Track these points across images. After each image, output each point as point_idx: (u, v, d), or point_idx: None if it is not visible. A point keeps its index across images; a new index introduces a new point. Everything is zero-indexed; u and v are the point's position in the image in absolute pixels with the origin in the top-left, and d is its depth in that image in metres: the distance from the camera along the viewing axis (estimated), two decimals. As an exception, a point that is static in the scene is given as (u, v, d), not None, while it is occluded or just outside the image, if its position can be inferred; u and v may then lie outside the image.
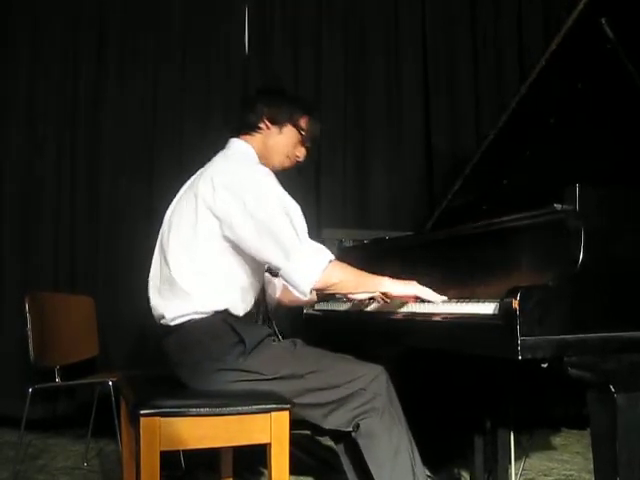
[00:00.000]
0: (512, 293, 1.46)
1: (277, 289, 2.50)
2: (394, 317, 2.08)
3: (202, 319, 1.99)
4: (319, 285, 1.94)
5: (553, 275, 1.53)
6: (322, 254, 1.95)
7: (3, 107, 4.02)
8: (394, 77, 4.36)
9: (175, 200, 2.21)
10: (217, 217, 1.96)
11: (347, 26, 4.34)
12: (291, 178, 4.08)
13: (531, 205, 1.72)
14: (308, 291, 1.94)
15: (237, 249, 2.01)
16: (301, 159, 2.30)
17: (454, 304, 1.85)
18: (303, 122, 2.24)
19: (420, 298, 1.98)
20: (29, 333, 2.94)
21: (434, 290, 2.00)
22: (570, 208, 1.57)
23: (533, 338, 1.44)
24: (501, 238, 1.89)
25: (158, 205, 3.94)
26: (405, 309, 2.06)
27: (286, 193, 2.01)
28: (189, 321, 1.99)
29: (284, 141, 2.22)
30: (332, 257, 1.96)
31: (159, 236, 2.20)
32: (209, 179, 2.00)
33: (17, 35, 4.03)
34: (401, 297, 2.03)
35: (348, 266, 2.04)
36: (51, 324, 3.14)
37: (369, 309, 2.26)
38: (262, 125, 2.20)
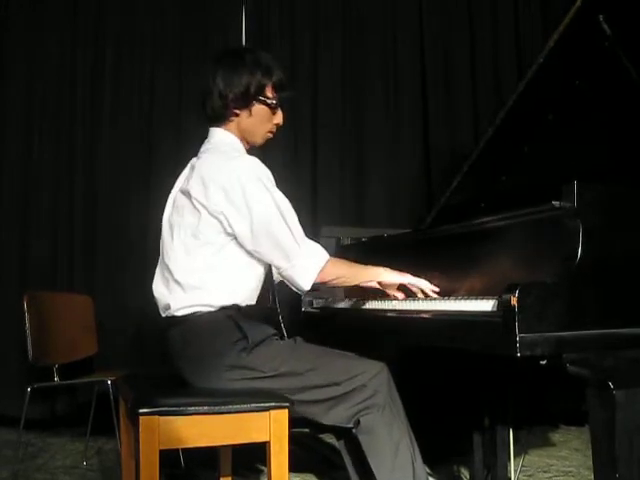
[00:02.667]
0: (511, 290, 1.46)
1: None
2: (393, 315, 2.08)
3: (208, 313, 1.99)
4: (318, 281, 2.01)
5: (552, 272, 1.53)
6: (319, 255, 2.01)
7: (1, 107, 4.02)
8: (392, 75, 4.36)
9: (170, 199, 2.20)
10: (214, 216, 1.96)
11: (345, 24, 4.34)
12: (289, 176, 4.11)
13: (529, 202, 1.72)
14: (307, 289, 2.01)
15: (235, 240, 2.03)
16: (281, 123, 2.19)
17: (452, 301, 1.85)
18: (269, 91, 2.10)
19: (411, 289, 2.07)
20: (27, 332, 2.94)
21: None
22: (568, 205, 1.57)
23: (532, 335, 1.44)
24: (499, 235, 1.89)
25: (156, 204, 3.96)
26: (403, 306, 2.06)
27: (275, 187, 2.00)
28: (194, 314, 1.99)
29: (257, 120, 2.11)
30: (327, 257, 2.02)
31: (161, 237, 2.18)
32: (200, 179, 1.98)
33: (13, 36, 4.03)
34: (395, 285, 2.11)
35: (344, 262, 2.12)
36: (49, 323, 3.14)
37: (367, 307, 2.26)
38: (229, 112, 2.08)
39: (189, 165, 2.18)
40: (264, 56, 2.13)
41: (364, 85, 4.33)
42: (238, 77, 2.05)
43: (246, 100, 2.07)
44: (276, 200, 1.97)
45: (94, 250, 4.00)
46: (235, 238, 2.00)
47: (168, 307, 2.04)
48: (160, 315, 2.13)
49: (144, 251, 3.96)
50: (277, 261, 2.00)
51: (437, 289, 2.05)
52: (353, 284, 2.16)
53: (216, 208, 1.95)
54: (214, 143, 2.14)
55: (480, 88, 4.42)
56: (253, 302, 2.08)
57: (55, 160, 4.02)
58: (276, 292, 2.40)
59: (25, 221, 3.98)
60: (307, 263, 1.98)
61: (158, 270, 2.17)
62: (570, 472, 3.03)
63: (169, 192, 2.24)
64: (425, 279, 2.08)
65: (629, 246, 1.61)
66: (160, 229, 2.19)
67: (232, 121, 2.11)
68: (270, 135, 2.20)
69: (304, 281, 1.99)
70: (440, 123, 4.35)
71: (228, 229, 1.97)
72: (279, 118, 2.17)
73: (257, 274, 2.10)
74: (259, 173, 1.98)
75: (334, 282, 2.08)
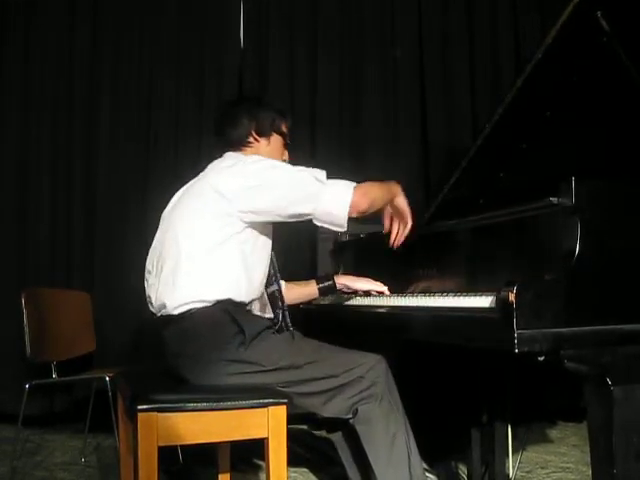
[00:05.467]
0: (509, 286, 1.46)
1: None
2: (391, 311, 2.09)
3: (203, 308, 1.99)
4: (355, 210, 2.06)
5: (550, 268, 1.53)
6: (345, 183, 2.07)
7: (-1, 104, 4.03)
8: (390, 71, 4.35)
9: (175, 199, 2.24)
10: (228, 198, 2.00)
11: (343, 21, 4.33)
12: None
13: (527, 198, 1.72)
14: (345, 216, 2.05)
15: (245, 234, 2.05)
16: (287, 160, 2.39)
17: (451, 297, 1.85)
18: (284, 127, 2.36)
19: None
20: (25, 329, 2.94)
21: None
22: (566, 201, 1.57)
23: (529, 331, 1.44)
24: (497, 231, 1.89)
25: (153, 201, 3.97)
26: (401, 303, 2.06)
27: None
28: (190, 310, 1.99)
29: (273, 150, 2.32)
30: (354, 183, 2.08)
31: (158, 230, 2.22)
32: (216, 172, 2.11)
33: (10, 35, 4.03)
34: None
35: (368, 184, 2.15)
36: (47, 320, 3.14)
37: (364, 303, 2.27)
38: (251, 139, 2.28)
39: (199, 176, 2.22)
40: (275, 104, 2.41)
41: (362, 83, 4.32)
42: (262, 111, 2.31)
43: (267, 130, 2.30)
44: (289, 166, 2.14)
45: (92, 247, 4.00)
46: (241, 228, 2.03)
47: (164, 306, 2.04)
48: (153, 315, 2.13)
49: (143, 248, 3.96)
50: (306, 207, 2.04)
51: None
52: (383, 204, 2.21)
53: (237, 186, 2.01)
54: (228, 160, 2.24)
55: (479, 85, 4.42)
56: (246, 300, 2.07)
57: (53, 158, 4.02)
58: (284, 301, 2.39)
59: (23, 218, 3.98)
60: (337, 193, 2.03)
61: (150, 271, 2.19)
62: (568, 468, 3.04)
63: (166, 189, 2.26)
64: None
65: (627, 242, 1.61)
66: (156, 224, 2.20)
67: (251, 147, 2.28)
68: None
69: (340, 209, 2.03)
70: (438, 119, 4.35)
71: (245, 217, 2.02)
72: (286, 155, 2.41)
73: (255, 272, 2.10)
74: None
75: (372, 205, 2.11)
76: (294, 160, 3.84)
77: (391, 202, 2.21)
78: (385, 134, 4.31)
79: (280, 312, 2.31)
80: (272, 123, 2.31)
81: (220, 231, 2.02)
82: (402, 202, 2.21)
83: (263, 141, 2.30)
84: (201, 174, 2.21)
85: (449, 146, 4.24)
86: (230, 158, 2.21)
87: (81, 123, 4.04)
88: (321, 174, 2.08)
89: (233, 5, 4.21)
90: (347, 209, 2.03)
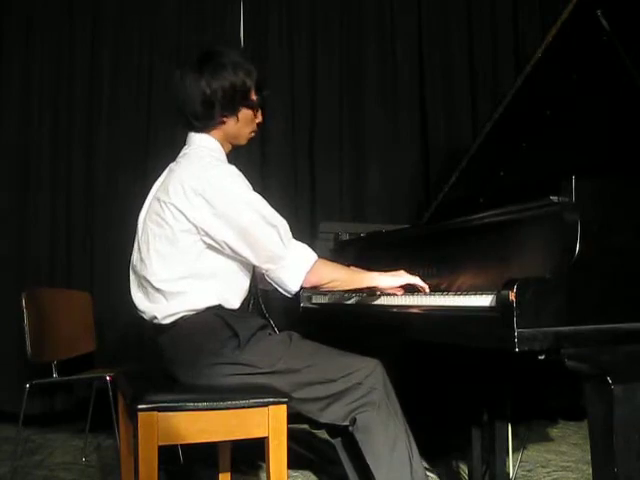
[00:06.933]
0: (509, 285, 1.46)
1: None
2: (392, 310, 2.09)
3: (195, 315, 1.98)
4: (308, 285, 2.01)
5: (550, 267, 1.53)
6: (306, 256, 1.99)
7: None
8: (390, 70, 4.36)
9: (147, 203, 2.19)
10: (193, 224, 1.94)
11: (343, 20, 4.33)
12: (288, 172, 4.10)
13: (528, 197, 1.72)
14: (295, 291, 2.00)
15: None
16: (262, 121, 2.21)
17: (451, 296, 1.85)
18: (252, 93, 2.10)
19: (409, 287, 2.06)
20: (26, 329, 2.94)
21: (431, 283, 2.03)
22: (566, 200, 1.57)
23: (530, 330, 1.44)
24: (498, 230, 1.89)
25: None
26: (402, 302, 2.06)
27: (256, 194, 1.99)
28: (182, 318, 1.98)
29: (242, 124, 2.12)
30: (316, 257, 2.00)
31: (136, 241, 2.19)
32: (179, 185, 1.96)
33: (9, 35, 4.04)
34: (392, 290, 2.10)
35: (335, 264, 2.12)
36: (48, 320, 3.14)
37: (365, 303, 2.26)
38: (216, 120, 2.07)
39: (167, 170, 2.17)
40: (239, 56, 2.11)
41: (362, 81, 4.32)
42: (223, 83, 2.03)
43: (234, 106, 2.07)
44: (259, 205, 1.97)
45: (93, 247, 4.00)
46: (210, 244, 1.98)
47: (154, 317, 2.04)
48: (146, 321, 2.12)
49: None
50: (264, 264, 1.98)
51: (427, 287, 2.06)
52: (346, 289, 2.17)
53: (197, 220, 1.93)
54: (194, 148, 2.12)
55: (479, 86, 4.41)
56: (237, 305, 2.05)
57: (53, 157, 4.02)
58: (259, 291, 2.37)
59: (24, 218, 3.98)
60: (294, 264, 1.97)
61: (134, 282, 2.17)
62: (569, 467, 3.04)
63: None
64: (423, 275, 2.08)
65: (627, 241, 1.60)
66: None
67: (218, 128, 2.10)
68: (253, 135, 2.21)
69: (292, 282, 1.97)
70: (438, 118, 4.35)
71: (206, 238, 1.96)
72: (260, 117, 2.18)
73: (240, 276, 2.07)
74: (239, 181, 1.98)
75: (327, 286, 2.06)
76: (297, 144, 3.77)
77: (374, 287, 2.12)
78: (385, 134, 4.31)
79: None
80: (235, 97, 2.04)
81: (193, 246, 1.97)
82: (385, 284, 2.09)
83: (230, 120, 2.08)
84: (173, 165, 2.13)
85: (449, 146, 4.24)
86: (197, 161, 2.04)
87: (81, 123, 4.05)
88: (286, 233, 1.98)
89: (233, 4, 4.21)
90: (300, 283, 1.97)
